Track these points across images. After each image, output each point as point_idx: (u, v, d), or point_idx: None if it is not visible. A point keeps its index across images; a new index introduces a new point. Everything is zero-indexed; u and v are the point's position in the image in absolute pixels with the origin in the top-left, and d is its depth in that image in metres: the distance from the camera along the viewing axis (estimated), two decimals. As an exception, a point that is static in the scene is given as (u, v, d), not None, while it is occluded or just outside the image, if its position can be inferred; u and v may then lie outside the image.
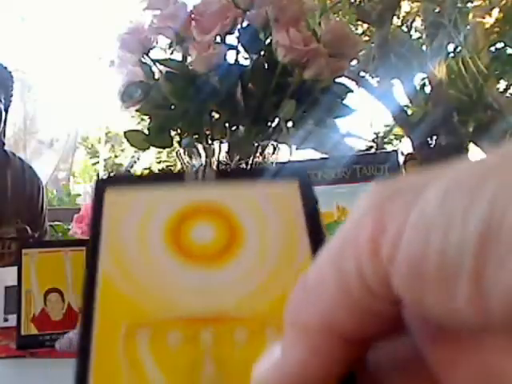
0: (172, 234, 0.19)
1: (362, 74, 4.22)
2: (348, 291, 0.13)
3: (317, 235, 0.18)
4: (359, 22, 4.23)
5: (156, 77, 0.73)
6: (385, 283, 0.13)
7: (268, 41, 0.71)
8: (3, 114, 1.32)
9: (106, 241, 0.18)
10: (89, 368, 0.16)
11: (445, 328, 0.15)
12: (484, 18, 4.11)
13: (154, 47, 0.73)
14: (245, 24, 0.72)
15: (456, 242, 0.11)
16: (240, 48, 0.71)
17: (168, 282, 0.18)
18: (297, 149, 0.74)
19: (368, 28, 4.34)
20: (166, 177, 0.20)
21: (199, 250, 0.18)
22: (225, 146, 0.74)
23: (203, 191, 0.20)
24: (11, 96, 1.37)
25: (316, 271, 0.15)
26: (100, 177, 0.20)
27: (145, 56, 0.72)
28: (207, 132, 0.74)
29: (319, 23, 0.73)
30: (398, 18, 4.46)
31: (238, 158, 0.68)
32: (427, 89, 4.36)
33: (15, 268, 0.76)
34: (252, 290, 0.17)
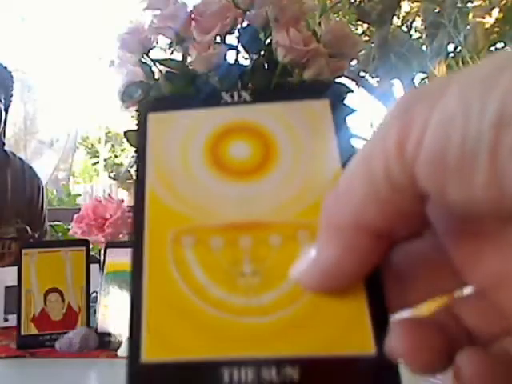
0: (211, 151, 0.20)
1: (362, 74, 4.22)
2: (377, 191, 0.15)
3: (346, 150, 0.19)
4: (359, 22, 4.22)
5: (156, 77, 0.73)
6: (411, 181, 0.14)
7: (268, 41, 0.71)
8: (3, 113, 1.32)
9: (150, 159, 0.20)
10: (143, 271, 0.18)
11: (467, 224, 0.16)
12: (484, 18, 4.11)
13: (154, 47, 0.73)
14: (245, 24, 0.72)
15: (474, 133, 0.12)
16: (240, 48, 0.71)
17: (209, 194, 0.19)
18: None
19: (368, 28, 4.34)
20: (204, 98, 0.22)
21: (237, 166, 0.20)
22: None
23: (239, 111, 0.21)
24: (11, 96, 1.37)
25: (347, 176, 0.16)
26: (143, 101, 0.21)
27: (145, 56, 0.72)
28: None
29: (319, 23, 0.73)
30: (398, 18, 4.46)
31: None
32: (427, 89, 4.34)
33: (15, 268, 0.76)
34: (285, 200, 0.19)
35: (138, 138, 0.21)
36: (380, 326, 0.17)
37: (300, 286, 0.17)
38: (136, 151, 0.21)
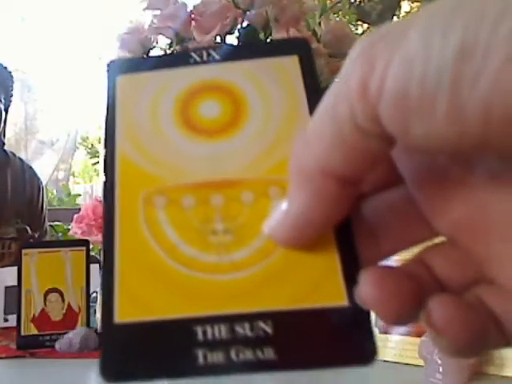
0: (181, 110, 0.20)
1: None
2: (342, 133, 0.15)
3: (316, 105, 0.19)
4: (359, 22, 4.22)
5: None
6: (375, 121, 0.14)
7: (268, 41, 0.71)
8: (3, 113, 1.32)
9: (120, 121, 0.20)
10: (114, 233, 0.18)
11: (434, 172, 0.16)
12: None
13: (154, 47, 0.73)
14: (245, 24, 0.72)
15: (435, 67, 0.12)
16: (240, 48, 0.71)
17: (179, 154, 0.19)
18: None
19: (368, 28, 4.34)
20: (173, 58, 0.22)
21: (207, 124, 0.20)
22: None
23: (209, 70, 0.21)
24: (11, 96, 1.37)
25: (314, 121, 0.16)
26: (111, 60, 0.21)
27: (144, 56, 0.72)
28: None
29: (319, 23, 0.73)
30: (398, 18, 4.46)
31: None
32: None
33: (15, 268, 0.76)
34: (256, 156, 0.19)
35: (108, 100, 0.21)
36: (352, 277, 0.17)
37: (272, 241, 0.17)
38: (106, 113, 0.20)
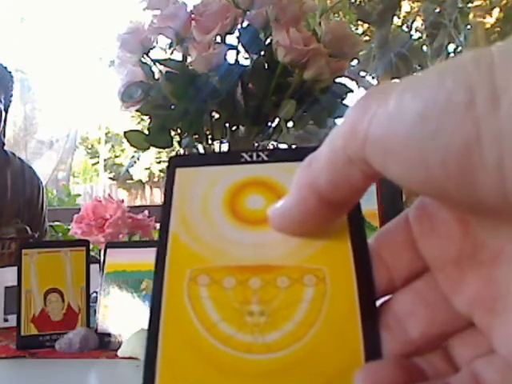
0: (229, 202, 0.23)
1: (363, 73, 4.21)
2: (335, 159, 0.18)
3: (354, 209, 0.21)
4: (359, 22, 4.22)
5: (156, 77, 0.72)
6: (361, 157, 0.17)
7: (268, 41, 0.71)
8: (3, 113, 1.32)
9: (176, 206, 0.23)
10: (161, 305, 0.20)
11: (450, 251, 0.19)
12: (484, 17, 4.11)
13: (154, 47, 0.73)
14: (245, 24, 0.72)
15: (404, 123, 0.16)
16: (240, 48, 0.71)
17: (225, 239, 0.21)
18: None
19: (368, 28, 4.33)
20: (226, 157, 0.25)
21: (251, 215, 0.22)
22: (225, 146, 0.74)
23: (256, 168, 0.23)
24: (11, 96, 1.37)
25: (319, 149, 0.19)
26: (172, 156, 0.24)
27: (145, 56, 0.72)
28: (207, 132, 0.74)
29: (319, 23, 0.73)
30: (399, 17, 4.46)
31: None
32: (427, 89, 4.33)
33: (15, 268, 0.76)
34: (293, 246, 0.21)
35: (166, 188, 0.23)
36: None
37: (302, 328, 0.19)
38: (164, 199, 0.23)
